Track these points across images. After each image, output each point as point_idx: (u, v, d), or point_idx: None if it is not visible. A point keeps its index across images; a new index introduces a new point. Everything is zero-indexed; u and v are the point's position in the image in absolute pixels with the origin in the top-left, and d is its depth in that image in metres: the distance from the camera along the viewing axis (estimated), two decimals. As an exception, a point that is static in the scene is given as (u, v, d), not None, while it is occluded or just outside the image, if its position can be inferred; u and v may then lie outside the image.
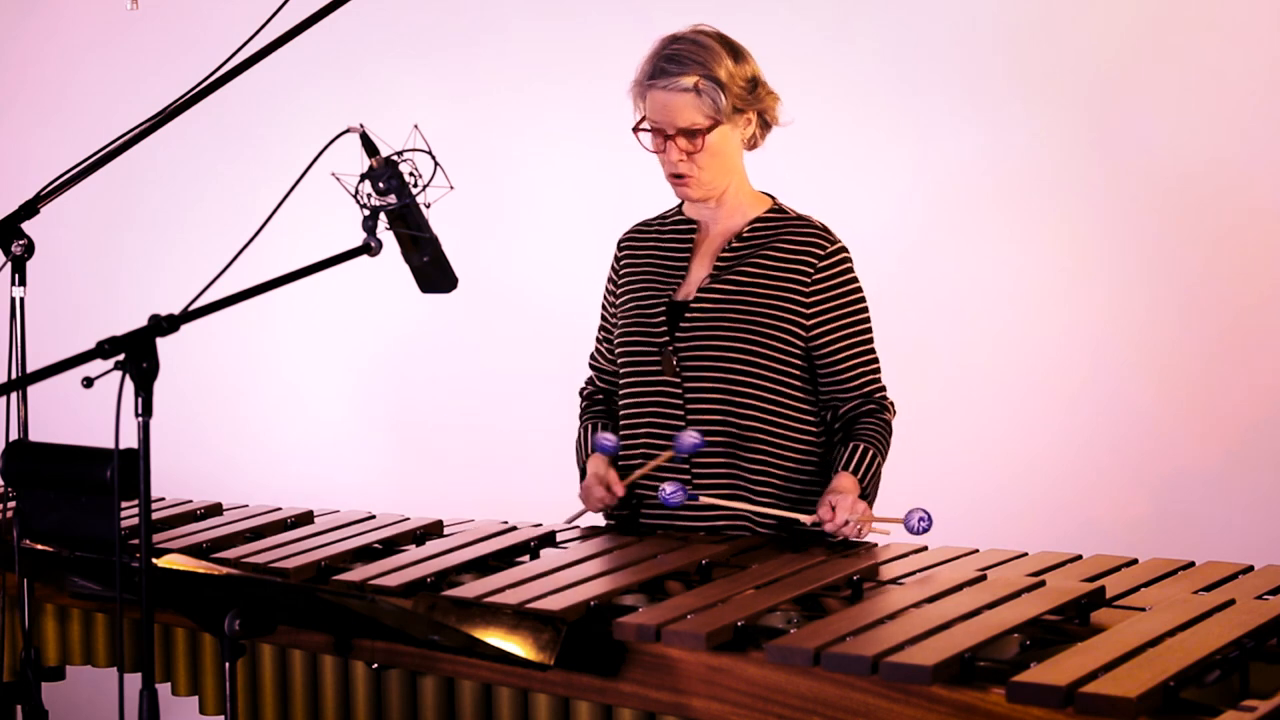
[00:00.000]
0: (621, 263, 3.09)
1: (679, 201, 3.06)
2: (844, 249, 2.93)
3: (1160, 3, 3.94)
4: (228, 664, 2.20)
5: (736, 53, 2.90)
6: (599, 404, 3.17)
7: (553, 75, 4.54)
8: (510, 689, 2.37)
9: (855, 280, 2.94)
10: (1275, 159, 3.83)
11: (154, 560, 2.18)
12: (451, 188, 2.42)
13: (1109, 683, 1.90)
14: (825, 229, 2.94)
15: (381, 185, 2.40)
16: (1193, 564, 2.58)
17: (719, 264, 2.93)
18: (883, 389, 2.96)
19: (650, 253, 3.04)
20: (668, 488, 2.82)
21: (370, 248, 2.36)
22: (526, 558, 2.77)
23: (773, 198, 3.00)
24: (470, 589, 2.47)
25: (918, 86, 4.16)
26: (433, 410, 4.74)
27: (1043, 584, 2.39)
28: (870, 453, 2.86)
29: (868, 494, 2.85)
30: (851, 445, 2.87)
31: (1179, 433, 3.96)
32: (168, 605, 2.42)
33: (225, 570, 2.25)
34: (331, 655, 2.57)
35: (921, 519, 2.71)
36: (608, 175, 4.47)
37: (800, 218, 2.96)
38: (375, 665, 2.52)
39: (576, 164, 4.55)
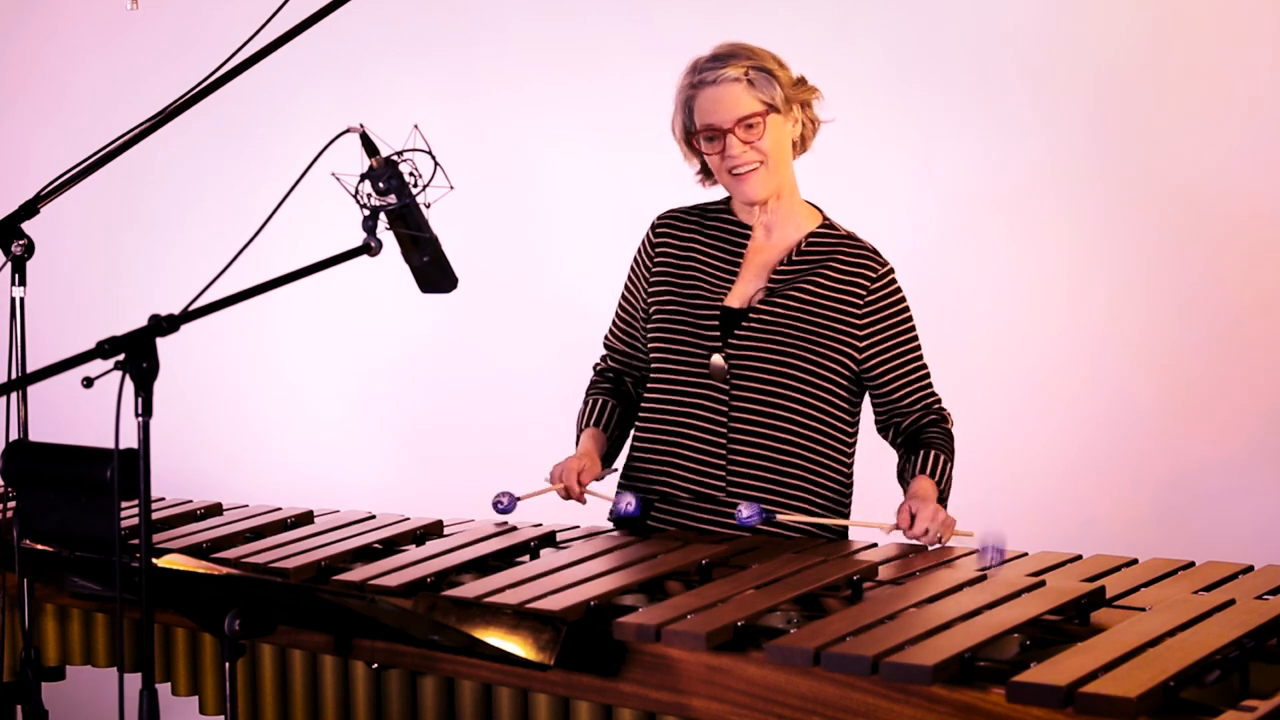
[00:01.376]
0: (657, 248, 3.03)
1: (722, 196, 3.03)
2: (892, 270, 2.94)
3: (1162, 4, 3.94)
4: (228, 664, 2.20)
5: (775, 57, 2.91)
6: (609, 381, 3.15)
7: (553, 75, 4.54)
8: (510, 689, 2.37)
9: (904, 300, 2.95)
10: (1275, 160, 3.83)
11: (154, 560, 2.18)
12: (451, 188, 2.42)
13: (1109, 683, 1.90)
14: (875, 251, 2.95)
15: (381, 185, 2.40)
16: (1193, 564, 2.58)
17: (775, 279, 2.90)
18: (939, 400, 2.97)
19: (696, 248, 3.00)
20: (745, 510, 2.79)
21: (370, 248, 2.36)
22: (526, 558, 2.77)
23: (820, 210, 3.00)
24: (470, 589, 2.47)
25: (918, 87, 4.16)
26: (433, 410, 4.74)
27: (1043, 584, 2.39)
28: (942, 459, 2.88)
29: (944, 498, 2.88)
30: (923, 452, 2.88)
31: (1179, 433, 3.96)
32: (168, 605, 2.42)
33: (225, 570, 2.25)
34: (331, 655, 2.57)
35: (994, 556, 2.59)
36: (608, 175, 4.47)
37: (850, 236, 2.96)
38: (375, 665, 2.52)
39: (576, 164, 4.55)
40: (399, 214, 2.42)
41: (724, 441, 2.90)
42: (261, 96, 4.48)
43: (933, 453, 2.88)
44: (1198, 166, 3.90)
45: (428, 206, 2.43)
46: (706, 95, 2.86)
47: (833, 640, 2.13)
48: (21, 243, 2.72)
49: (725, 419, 2.90)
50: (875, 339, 2.91)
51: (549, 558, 2.72)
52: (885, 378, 2.93)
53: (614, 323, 3.15)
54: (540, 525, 2.97)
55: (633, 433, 3.09)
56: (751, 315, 2.89)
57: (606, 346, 3.18)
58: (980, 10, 4.07)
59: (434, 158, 2.39)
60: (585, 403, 3.14)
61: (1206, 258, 3.90)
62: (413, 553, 2.79)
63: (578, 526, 3.00)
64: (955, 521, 2.78)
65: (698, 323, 2.93)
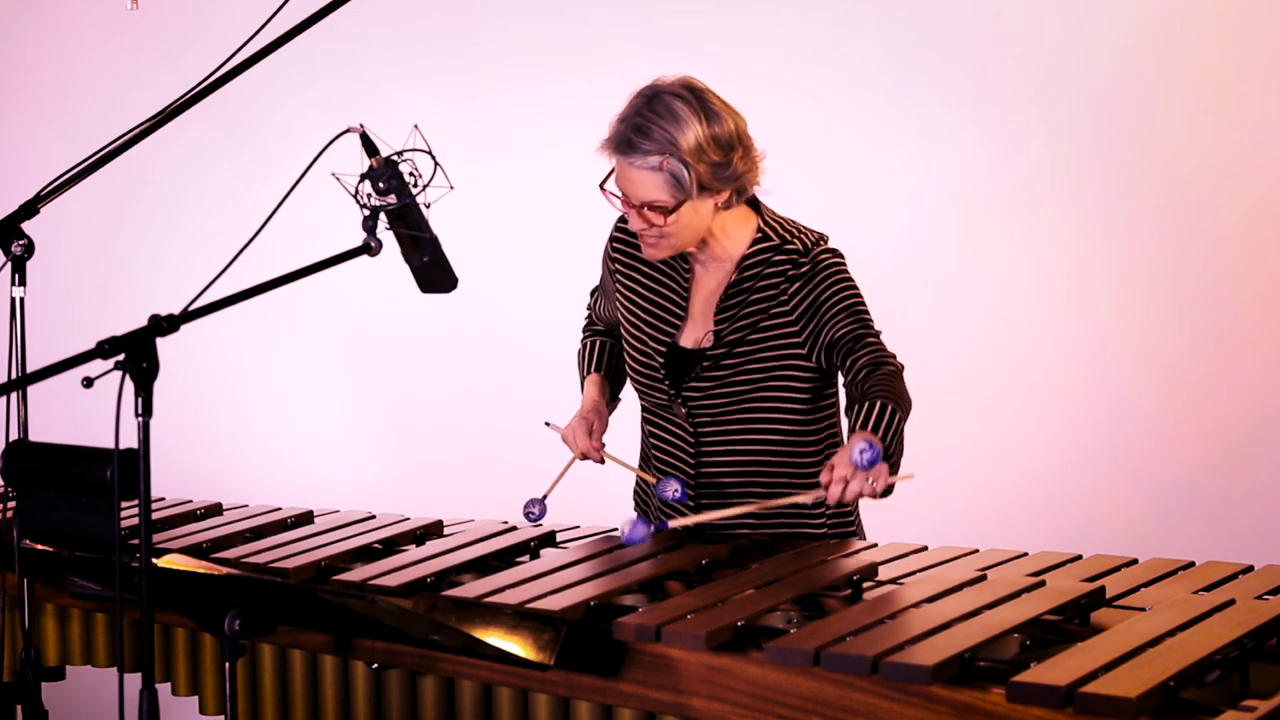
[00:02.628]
0: (614, 262, 3.01)
1: None
2: (821, 254, 2.81)
3: (1162, 5, 3.94)
4: (228, 664, 2.20)
5: (710, 114, 2.72)
6: (600, 332, 3.16)
7: (553, 75, 4.54)
8: (510, 689, 2.37)
9: (837, 272, 2.80)
10: (1275, 160, 3.83)
11: (154, 560, 2.18)
12: (451, 188, 2.42)
13: (1109, 683, 1.90)
14: (801, 247, 2.82)
15: (381, 185, 2.40)
16: (1193, 564, 2.58)
17: (719, 320, 2.84)
18: (881, 348, 2.77)
19: (644, 281, 2.95)
20: (668, 488, 2.85)
21: (370, 248, 2.36)
22: (526, 558, 2.77)
23: (757, 211, 2.87)
24: (470, 589, 2.47)
25: (918, 87, 4.16)
26: (433, 410, 4.74)
27: (1043, 584, 2.39)
28: (879, 406, 2.63)
29: (891, 451, 2.62)
30: (858, 407, 2.66)
31: (1179, 433, 3.96)
32: (168, 605, 2.42)
33: (225, 570, 2.25)
34: (331, 655, 2.57)
35: (864, 450, 2.51)
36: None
37: (780, 239, 2.83)
38: (375, 665, 2.52)
39: (576, 164, 4.53)
40: (399, 214, 2.42)
41: (691, 471, 2.91)
42: (261, 96, 4.48)
43: (866, 404, 2.64)
44: (1198, 167, 3.90)
45: (428, 206, 2.43)
46: (621, 169, 2.75)
47: (833, 640, 2.12)
48: (21, 243, 2.72)
49: (693, 451, 2.90)
50: (806, 318, 2.79)
51: (549, 558, 2.72)
52: (830, 342, 2.78)
53: (596, 297, 3.15)
54: (540, 525, 2.97)
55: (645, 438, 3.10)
56: (705, 365, 2.85)
57: (589, 309, 3.20)
58: (980, 10, 4.07)
59: (434, 158, 2.39)
60: (582, 345, 3.15)
61: (1206, 258, 3.90)
62: (413, 553, 2.79)
63: (578, 526, 3.00)
64: (886, 468, 2.56)
65: (653, 365, 2.91)
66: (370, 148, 2.42)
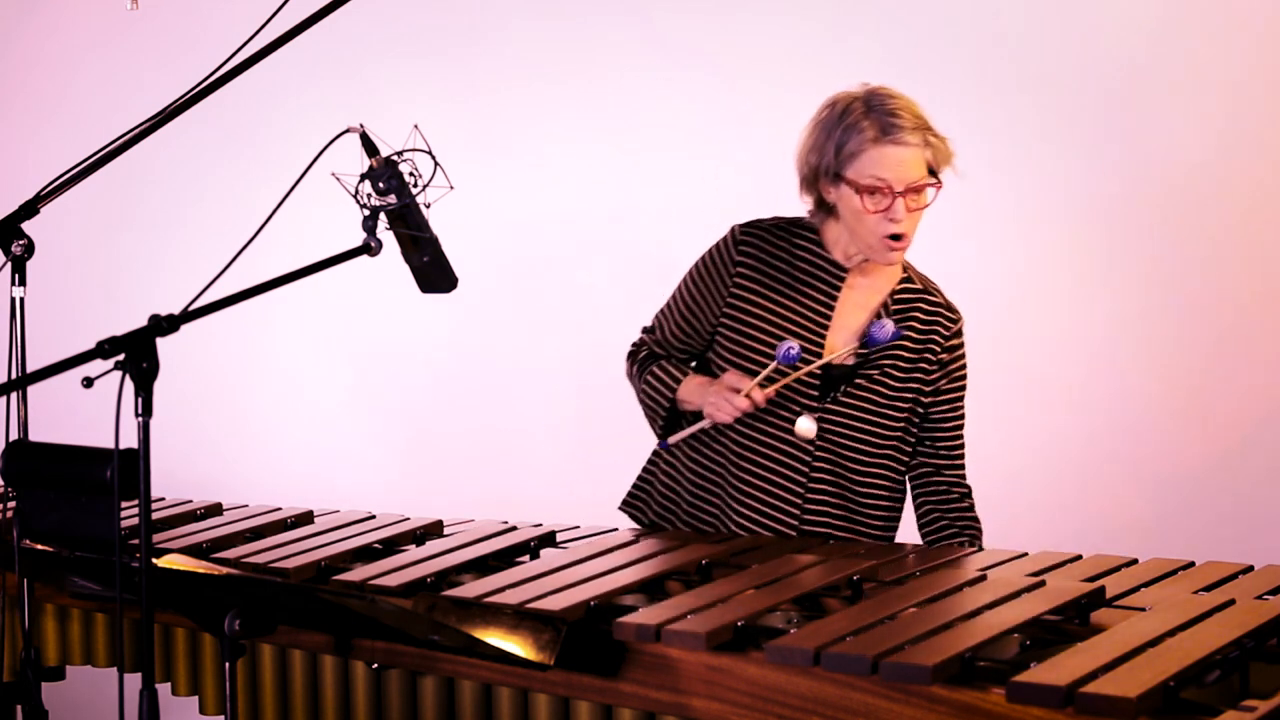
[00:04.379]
0: (738, 265, 2.91)
1: (807, 213, 2.93)
2: (961, 324, 2.96)
3: (1163, 5, 3.94)
4: (228, 664, 2.20)
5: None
6: (659, 358, 3.03)
7: (553, 75, 4.54)
8: (510, 689, 2.37)
9: (964, 355, 2.98)
10: (1276, 160, 3.83)
11: (154, 560, 2.18)
12: (451, 188, 2.42)
13: (1109, 683, 1.90)
14: (947, 304, 2.96)
15: (381, 185, 2.40)
16: (1193, 564, 2.58)
17: (865, 346, 2.88)
18: (963, 470, 3.01)
19: (784, 280, 2.90)
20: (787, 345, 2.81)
21: (370, 248, 2.36)
22: (526, 558, 2.77)
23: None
24: (470, 589, 2.47)
25: (918, 88, 4.15)
26: (433, 410, 4.74)
27: (1043, 584, 2.39)
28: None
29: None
30: (947, 533, 2.95)
31: (1179, 433, 3.96)
32: (168, 605, 2.42)
33: (225, 570, 2.25)
34: (331, 655, 2.57)
35: (790, 349, 2.77)
36: (608, 175, 4.47)
37: (925, 289, 2.95)
38: (375, 665, 2.52)
39: (576, 164, 4.55)
40: (399, 214, 2.42)
41: (799, 499, 2.90)
42: (261, 96, 4.47)
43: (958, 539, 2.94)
44: (1199, 167, 3.90)
45: (428, 206, 2.43)
46: (889, 153, 2.77)
47: (833, 640, 2.13)
48: (21, 243, 2.72)
49: (807, 469, 2.89)
50: (938, 389, 2.94)
51: (549, 558, 2.72)
52: (935, 422, 2.95)
53: (668, 319, 3.01)
54: (540, 525, 2.97)
55: (667, 459, 3.03)
56: (850, 382, 2.88)
57: (647, 334, 3.07)
58: (980, 11, 4.07)
59: (434, 158, 2.39)
60: (652, 373, 2.98)
61: (1207, 258, 3.90)
62: (413, 553, 2.79)
63: (578, 526, 3.00)
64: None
65: (795, 377, 2.87)
66: (370, 148, 2.42)
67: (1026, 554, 2.67)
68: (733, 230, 2.94)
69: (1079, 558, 2.65)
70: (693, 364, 3.02)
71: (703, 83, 4.29)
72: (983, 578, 2.46)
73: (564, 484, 4.41)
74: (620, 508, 3.11)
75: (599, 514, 3.09)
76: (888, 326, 2.84)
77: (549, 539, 2.87)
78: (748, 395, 2.81)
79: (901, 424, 2.91)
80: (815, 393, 2.87)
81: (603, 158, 4.48)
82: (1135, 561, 2.61)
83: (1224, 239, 3.90)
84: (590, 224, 4.52)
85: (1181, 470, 3.94)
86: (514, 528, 2.95)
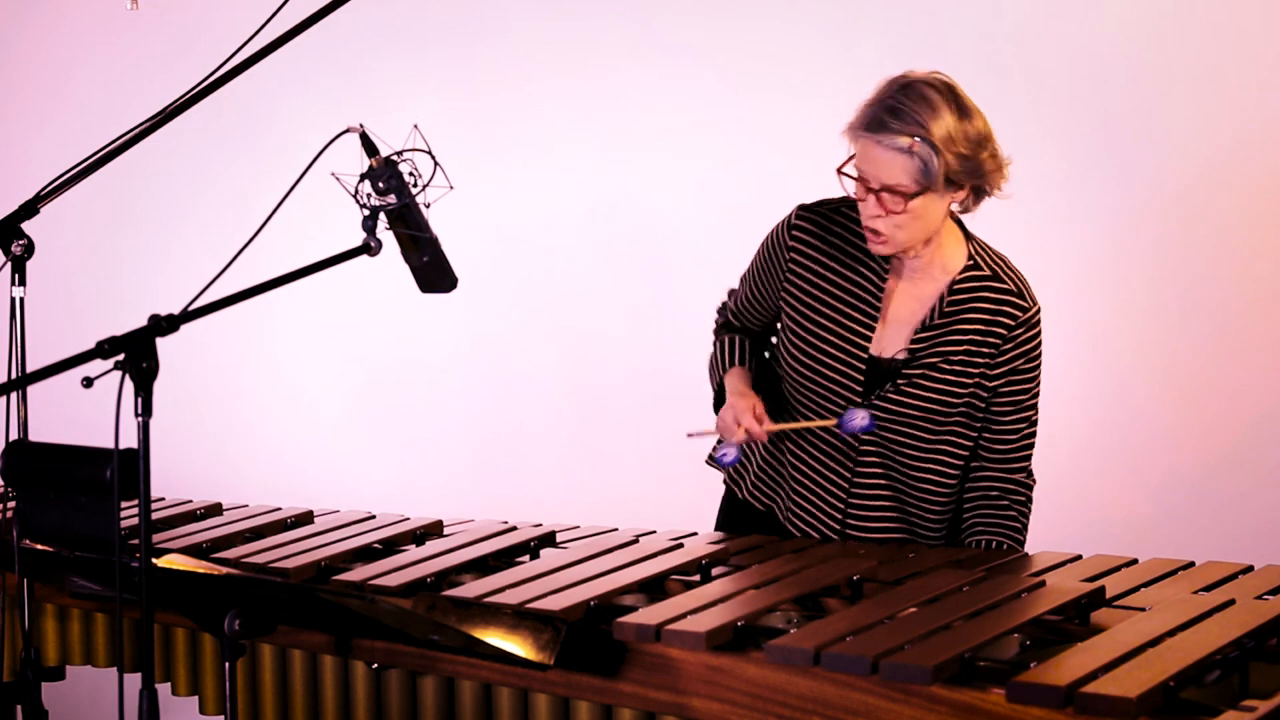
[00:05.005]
0: (791, 250, 2.86)
1: None
2: (1037, 312, 2.83)
3: (1163, 4, 3.94)
4: (228, 664, 2.20)
5: (963, 108, 2.69)
6: (736, 330, 3.02)
7: (552, 75, 4.54)
8: (510, 689, 2.37)
9: (1039, 345, 2.85)
10: (1276, 160, 3.83)
11: (154, 560, 2.18)
12: (451, 188, 2.42)
13: (1109, 683, 1.90)
14: (1019, 291, 2.82)
15: (381, 185, 2.40)
16: (1193, 564, 2.58)
17: (922, 337, 2.79)
18: (1029, 460, 2.90)
19: (830, 277, 2.84)
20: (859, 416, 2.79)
21: (370, 248, 2.36)
22: (526, 558, 2.77)
23: (969, 239, 2.86)
24: (470, 589, 2.47)
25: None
26: (433, 410, 4.74)
27: (1043, 584, 2.39)
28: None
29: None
30: (986, 539, 2.83)
31: (1179, 433, 3.96)
32: (168, 605, 2.42)
33: (225, 570, 2.25)
34: (331, 655, 2.57)
35: (851, 420, 2.76)
36: (608, 175, 4.47)
37: (994, 276, 2.82)
38: (375, 665, 2.52)
39: (576, 164, 4.55)
40: (399, 214, 2.42)
41: (843, 494, 2.88)
42: (261, 96, 4.48)
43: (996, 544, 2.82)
44: (1200, 166, 3.90)
45: (428, 206, 2.43)
46: (867, 147, 2.67)
47: (833, 640, 2.13)
48: (21, 243, 2.72)
49: (852, 463, 2.87)
50: (1003, 380, 2.82)
51: (549, 558, 2.72)
52: (997, 416, 2.84)
53: (742, 295, 3.00)
54: (540, 525, 2.97)
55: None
56: (898, 378, 2.80)
57: (729, 297, 3.06)
58: (981, 10, 4.07)
59: (434, 158, 2.39)
60: (719, 344, 3.01)
61: (1207, 257, 3.90)
62: (413, 553, 2.79)
63: (578, 526, 3.00)
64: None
65: (840, 370, 2.83)
66: (370, 148, 2.42)
67: (1027, 554, 2.67)
68: (793, 211, 2.90)
69: (1079, 558, 2.65)
70: (772, 339, 2.99)
71: (703, 83, 4.29)
72: (983, 578, 2.46)
73: (564, 484, 4.41)
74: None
75: (599, 514, 3.09)
76: (858, 418, 2.77)
77: (549, 539, 2.87)
78: (758, 421, 2.80)
79: (955, 419, 2.82)
80: (860, 388, 2.82)
81: (603, 158, 4.48)
82: (1135, 561, 2.61)
83: (1225, 239, 3.90)
84: (590, 224, 4.52)
85: (1181, 470, 3.93)
86: (514, 528, 2.95)
